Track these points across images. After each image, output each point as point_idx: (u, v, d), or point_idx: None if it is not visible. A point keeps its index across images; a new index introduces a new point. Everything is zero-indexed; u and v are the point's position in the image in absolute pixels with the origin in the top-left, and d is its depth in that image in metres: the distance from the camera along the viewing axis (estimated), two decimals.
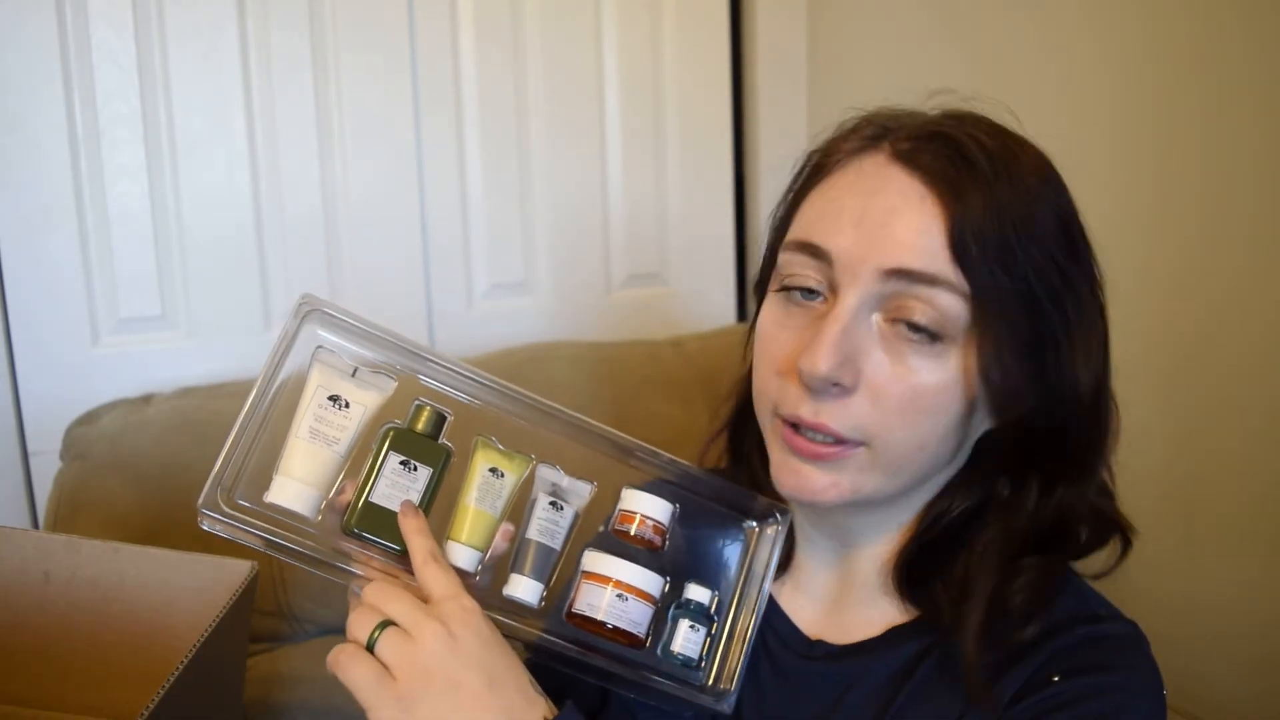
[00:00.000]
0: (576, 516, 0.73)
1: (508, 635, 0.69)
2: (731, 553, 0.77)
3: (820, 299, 0.67)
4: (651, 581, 0.71)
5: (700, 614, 0.73)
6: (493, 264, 1.59)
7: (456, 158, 1.55)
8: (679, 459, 0.76)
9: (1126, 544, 0.72)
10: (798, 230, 0.69)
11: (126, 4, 1.36)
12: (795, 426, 0.66)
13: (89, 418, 1.29)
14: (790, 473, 0.68)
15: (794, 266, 0.68)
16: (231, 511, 0.66)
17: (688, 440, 1.35)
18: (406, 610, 0.63)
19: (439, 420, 0.70)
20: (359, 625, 0.63)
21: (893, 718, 0.69)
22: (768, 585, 0.74)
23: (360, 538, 0.67)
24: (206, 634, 0.83)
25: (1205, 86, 1.58)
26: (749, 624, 0.73)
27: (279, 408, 0.67)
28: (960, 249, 0.62)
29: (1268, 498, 1.59)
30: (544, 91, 1.59)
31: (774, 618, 0.78)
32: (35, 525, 1.39)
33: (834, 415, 0.65)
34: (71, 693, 0.95)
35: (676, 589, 0.74)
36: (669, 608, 0.73)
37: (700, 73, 1.69)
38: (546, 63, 1.59)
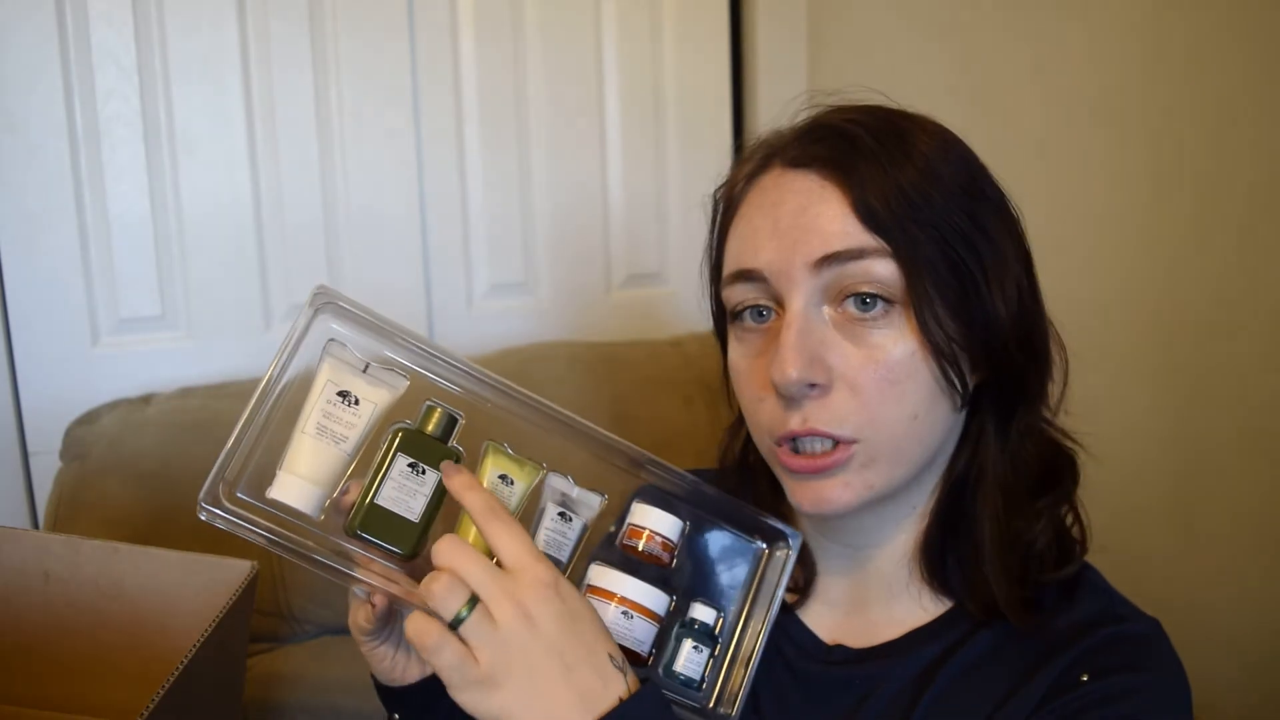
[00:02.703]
0: (585, 529, 0.71)
1: None
2: (740, 573, 0.75)
3: (771, 316, 0.69)
4: (658, 600, 0.70)
5: (704, 634, 0.72)
6: (493, 264, 1.59)
7: (456, 158, 1.55)
8: (689, 473, 0.74)
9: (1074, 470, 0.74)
10: (729, 265, 0.72)
11: (126, 4, 1.36)
12: (794, 447, 0.68)
13: (89, 418, 1.29)
14: (804, 491, 0.69)
15: (737, 295, 0.71)
16: (232, 507, 0.64)
17: (688, 440, 1.35)
18: (486, 582, 0.60)
19: (450, 422, 0.69)
20: (447, 598, 0.60)
21: None
22: (775, 609, 0.72)
23: (363, 540, 0.66)
24: (206, 634, 0.83)
25: (1198, 90, 1.58)
26: (754, 647, 0.71)
27: (286, 402, 0.66)
28: (868, 217, 0.65)
29: (1266, 497, 1.59)
30: (544, 91, 1.59)
31: (789, 625, 0.77)
32: (35, 525, 1.39)
33: (821, 417, 0.66)
34: (71, 693, 0.95)
35: (681, 606, 0.72)
36: (673, 625, 0.72)
37: (700, 72, 1.69)
38: (546, 63, 1.59)
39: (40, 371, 1.37)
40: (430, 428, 0.68)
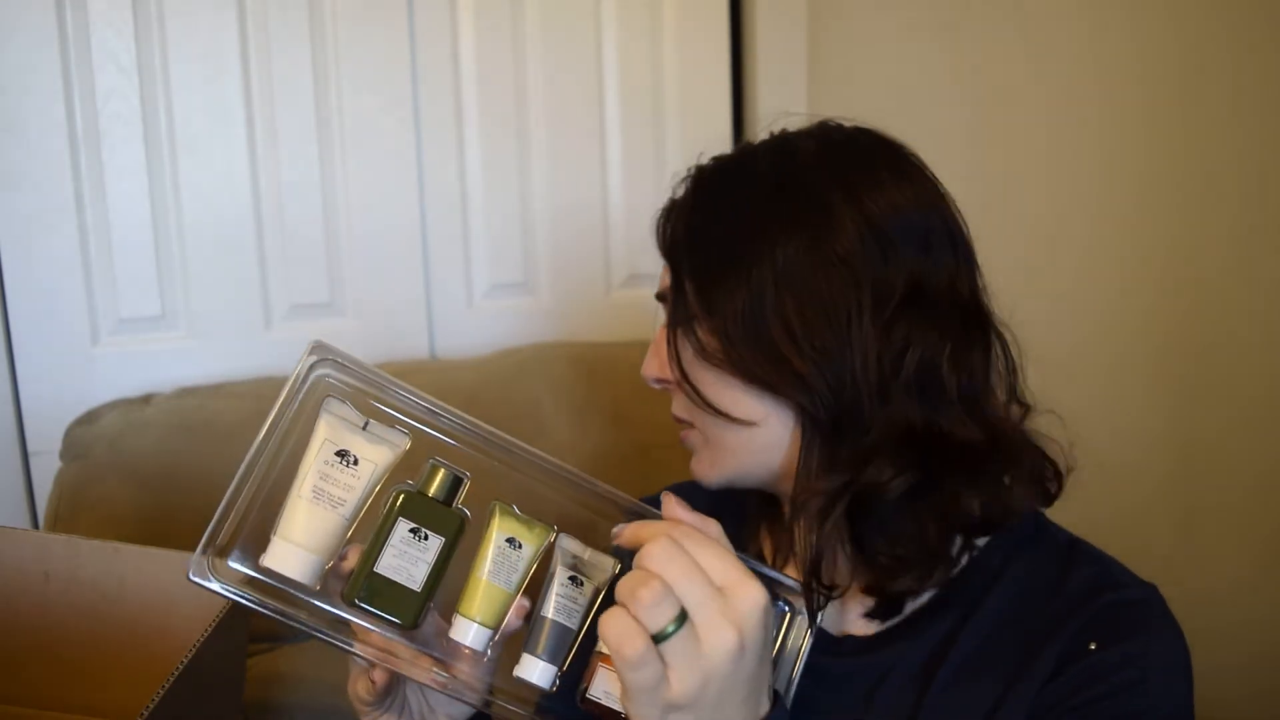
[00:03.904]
0: (597, 593, 0.68)
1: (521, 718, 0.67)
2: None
3: None
4: None
5: None
6: (493, 264, 1.59)
7: (457, 158, 1.55)
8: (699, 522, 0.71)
9: (1056, 473, 0.73)
10: None
11: (126, 4, 1.36)
12: None
13: (89, 418, 1.29)
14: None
15: None
16: (223, 580, 0.61)
17: None
18: (702, 601, 0.55)
19: (455, 483, 0.65)
20: (656, 610, 0.54)
21: (929, 708, 0.69)
22: (797, 676, 0.69)
23: (362, 610, 0.63)
24: (206, 634, 0.83)
25: (1194, 91, 1.59)
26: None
27: (283, 460, 0.63)
28: (667, 256, 0.74)
29: (1263, 494, 1.59)
30: (544, 92, 1.59)
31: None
32: (35, 525, 1.39)
33: (676, 406, 0.76)
34: (71, 693, 0.95)
35: None
36: None
37: (700, 73, 1.69)
38: (546, 63, 1.59)
39: (40, 371, 1.37)
40: (434, 489, 0.65)
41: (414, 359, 1.53)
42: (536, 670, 0.66)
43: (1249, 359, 1.58)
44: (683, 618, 0.54)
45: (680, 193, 0.75)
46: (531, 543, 0.67)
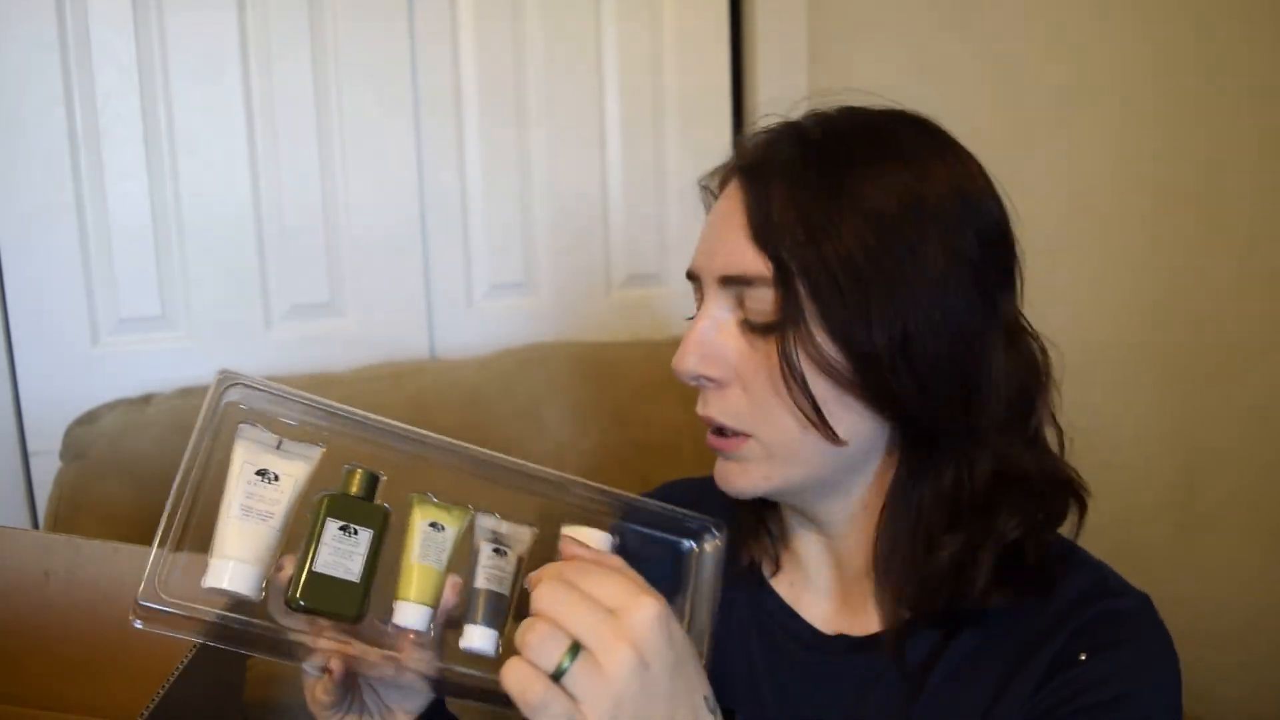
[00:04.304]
0: (521, 561, 0.72)
1: (472, 689, 0.68)
2: (679, 576, 0.75)
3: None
4: None
5: None
6: (493, 264, 1.59)
7: (457, 157, 1.55)
8: (611, 488, 0.74)
9: (1081, 506, 0.72)
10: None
11: (126, 4, 1.36)
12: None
13: (89, 418, 1.29)
14: (716, 468, 0.73)
15: (694, 294, 0.74)
16: (167, 609, 0.63)
17: (687, 440, 1.35)
18: (592, 626, 0.55)
19: (372, 481, 0.69)
20: (545, 649, 0.55)
21: (923, 707, 0.69)
22: (715, 602, 0.73)
23: (308, 611, 0.65)
24: None
25: (1207, 92, 1.59)
26: (703, 646, 0.72)
27: (205, 492, 0.65)
28: (759, 239, 0.67)
29: (1264, 495, 1.59)
30: (544, 91, 1.59)
31: (783, 617, 0.78)
32: (35, 525, 1.39)
33: (715, 407, 0.70)
34: (71, 693, 0.95)
35: None
36: None
37: (700, 72, 1.69)
38: (546, 62, 1.59)
39: (40, 371, 1.37)
40: (354, 489, 0.68)
41: (414, 359, 1.53)
42: (477, 636, 0.69)
43: (1255, 363, 1.58)
44: (576, 649, 0.54)
45: (772, 152, 0.68)
46: (452, 524, 0.70)
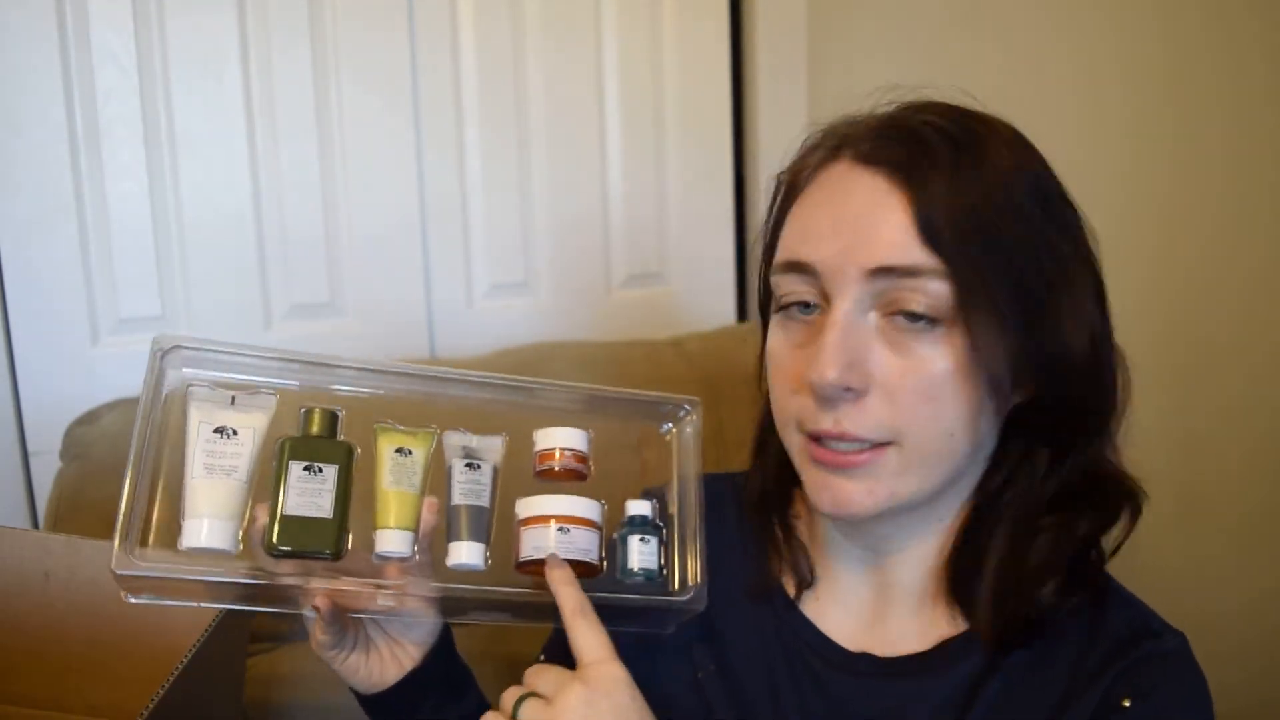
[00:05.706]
0: (495, 471, 0.73)
1: (469, 602, 0.70)
2: (660, 460, 0.78)
3: (818, 311, 0.67)
4: (589, 507, 0.72)
5: (646, 525, 0.74)
6: (493, 264, 1.59)
7: (457, 158, 1.55)
8: (578, 383, 0.76)
9: (1136, 510, 0.71)
10: (783, 252, 0.70)
11: (126, 4, 1.36)
12: (820, 441, 0.66)
13: (89, 418, 1.29)
14: (825, 489, 0.67)
15: (786, 286, 0.69)
16: (152, 574, 0.63)
17: None
18: (553, 679, 0.65)
19: (332, 419, 0.69)
20: (507, 698, 0.66)
21: None
22: (698, 476, 0.76)
23: (288, 554, 0.66)
24: (206, 634, 0.83)
25: (1221, 94, 1.58)
26: (696, 521, 0.75)
27: (165, 459, 0.66)
28: (930, 235, 0.63)
29: (1258, 488, 1.59)
30: (544, 91, 1.59)
31: (804, 632, 0.76)
32: (35, 525, 1.39)
33: (854, 420, 0.65)
34: (71, 693, 0.95)
35: (618, 513, 0.75)
36: (615, 534, 0.74)
37: (700, 72, 1.69)
38: (546, 63, 1.59)
39: (40, 371, 1.37)
40: (315, 429, 0.69)
41: (414, 359, 1.53)
42: (464, 551, 0.70)
43: (1246, 353, 1.58)
44: (530, 695, 0.65)
45: (912, 141, 0.65)
46: (419, 446, 0.71)
